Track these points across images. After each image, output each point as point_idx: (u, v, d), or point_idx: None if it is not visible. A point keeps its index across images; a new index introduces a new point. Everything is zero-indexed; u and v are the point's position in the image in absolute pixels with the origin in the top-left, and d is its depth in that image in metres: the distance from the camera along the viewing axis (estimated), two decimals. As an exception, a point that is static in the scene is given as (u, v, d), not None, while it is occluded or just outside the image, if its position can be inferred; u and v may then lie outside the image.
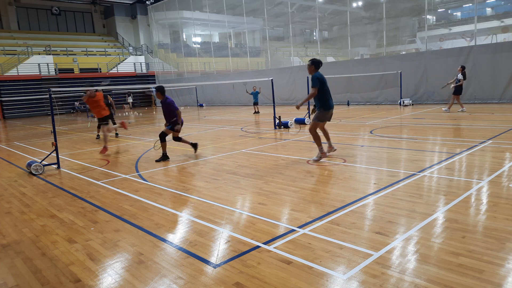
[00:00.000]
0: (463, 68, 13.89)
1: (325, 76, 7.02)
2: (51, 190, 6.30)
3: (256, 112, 19.69)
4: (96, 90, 10.68)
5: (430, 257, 3.13)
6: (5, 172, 8.18)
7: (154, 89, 36.49)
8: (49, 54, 33.55)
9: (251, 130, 12.79)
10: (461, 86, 13.77)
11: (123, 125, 10.21)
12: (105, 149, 9.52)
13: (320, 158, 7.11)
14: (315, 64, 6.93)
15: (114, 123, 12.44)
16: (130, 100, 35.85)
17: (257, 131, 12.59)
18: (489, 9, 27.67)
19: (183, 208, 4.92)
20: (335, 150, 7.43)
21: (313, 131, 7.12)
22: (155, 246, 3.73)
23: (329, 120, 7.31)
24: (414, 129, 10.49)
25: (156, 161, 8.15)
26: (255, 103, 19.84)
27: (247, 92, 20.09)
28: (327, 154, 7.28)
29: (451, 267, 2.95)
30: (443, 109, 14.73)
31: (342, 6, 25.54)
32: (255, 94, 19.63)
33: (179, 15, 35.09)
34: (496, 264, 2.96)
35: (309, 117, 13.04)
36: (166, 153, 8.23)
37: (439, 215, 4.03)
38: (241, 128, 13.52)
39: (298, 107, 7.18)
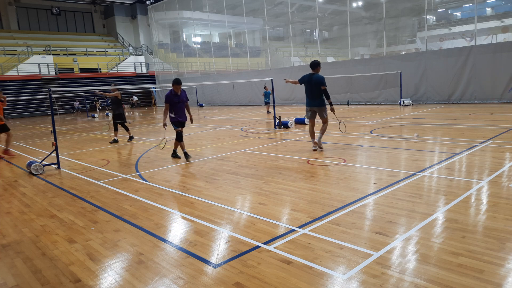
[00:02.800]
0: None
1: (325, 76, 8.09)
2: (51, 190, 6.30)
3: (268, 112, 18.96)
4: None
5: (430, 257, 3.13)
6: (5, 172, 8.18)
7: (154, 89, 36.09)
8: (49, 54, 33.56)
9: (251, 130, 12.79)
10: None
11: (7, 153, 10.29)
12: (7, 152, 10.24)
13: (314, 147, 8.23)
14: (310, 64, 8.07)
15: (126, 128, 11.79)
16: (135, 98, 36.61)
17: (257, 131, 12.59)
18: (489, 9, 27.65)
19: (183, 208, 4.92)
20: (314, 149, 8.17)
21: (308, 126, 8.54)
22: (155, 246, 3.73)
23: (311, 118, 8.25)
24: (414, 129, 10.48)
25: (186, 159, 8.00)
26: (266, 103, 19.24)
27: (263, 95, 19.81)
28: (313, 148, 8.24)
29: (451, 267, 2.95)
30: None
31: (342, 6, 25.52)
32: (267, 94, 19.03)
33: (179, 15, 35.08)
34: (496, 264, 2.96)
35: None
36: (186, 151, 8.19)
37: (439, 215, 4.03)
38: (241, 128, 13.52)
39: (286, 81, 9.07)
